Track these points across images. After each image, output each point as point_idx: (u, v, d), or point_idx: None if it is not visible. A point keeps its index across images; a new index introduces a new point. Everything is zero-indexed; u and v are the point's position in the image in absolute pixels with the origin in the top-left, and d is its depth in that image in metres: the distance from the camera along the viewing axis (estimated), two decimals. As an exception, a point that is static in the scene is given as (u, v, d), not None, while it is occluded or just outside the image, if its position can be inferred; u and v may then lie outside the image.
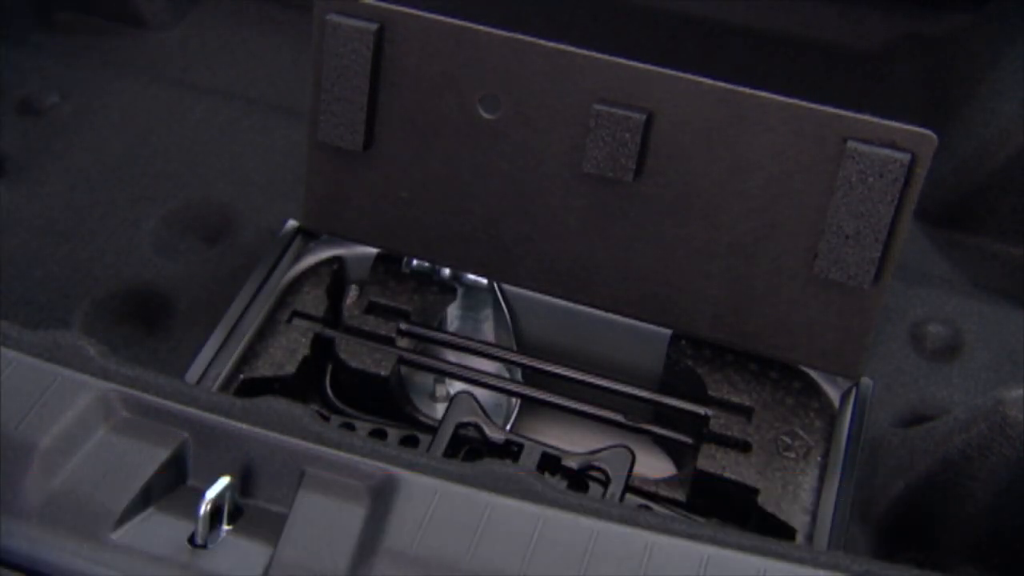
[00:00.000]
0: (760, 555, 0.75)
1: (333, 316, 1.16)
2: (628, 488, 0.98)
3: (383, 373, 1.10)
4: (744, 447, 1.04)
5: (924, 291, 1.24)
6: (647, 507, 1.00)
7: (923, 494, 0.97)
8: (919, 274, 1.27)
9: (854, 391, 1.06)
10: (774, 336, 1.06)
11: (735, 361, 1.10)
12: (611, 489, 0.96)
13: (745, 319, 1.07)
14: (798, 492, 1.00)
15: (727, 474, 1.01)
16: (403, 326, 1.13)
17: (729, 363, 1.10)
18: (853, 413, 1.05)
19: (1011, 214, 1.32)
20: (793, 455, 1.03)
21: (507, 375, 1.20)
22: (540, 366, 1.13)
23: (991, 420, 0.90)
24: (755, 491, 1.00)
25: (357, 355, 1.11)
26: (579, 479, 0.97)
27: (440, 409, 1.13)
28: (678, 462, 1.18)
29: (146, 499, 0.79)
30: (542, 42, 1.04)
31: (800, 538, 0.96)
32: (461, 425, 1.00)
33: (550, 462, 0.96)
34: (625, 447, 0.99)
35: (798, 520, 0.97)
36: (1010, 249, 1.32)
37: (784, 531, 0.98)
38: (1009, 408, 0.89)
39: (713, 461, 1.02)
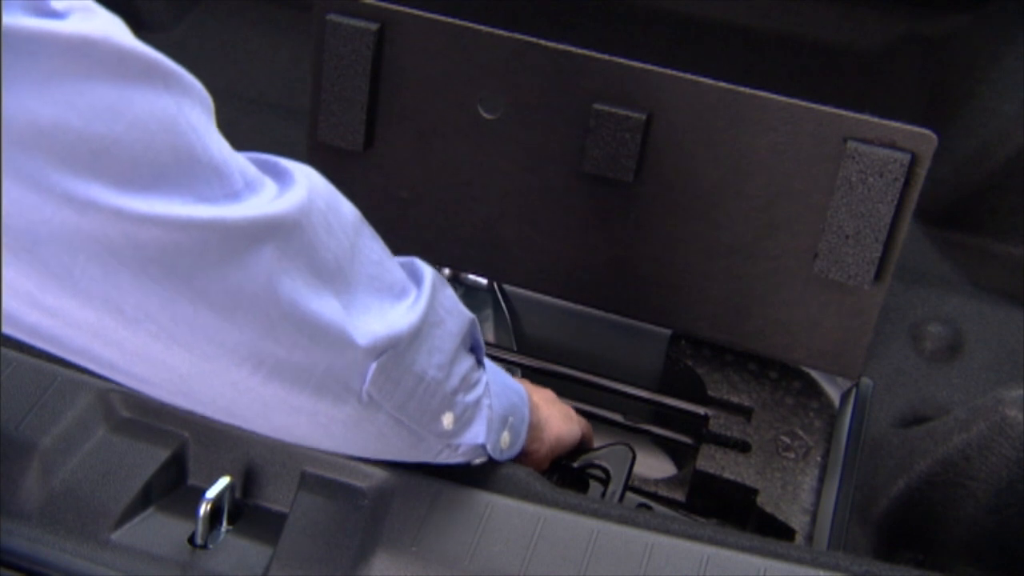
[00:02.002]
0: (760, 555, 0.75)
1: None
2: (628, 486, 0.98)
3: None
4: (743, 447, 1.04)
5: (924, 291, 1.24)
6: (647, 506, 1.00)
7: (923, 494, 0.97)
8: (919, 274, 1.27)
9: (854, 391, 1.06)
10: (774, 336, 1.06)
11: (735, 361, 1.10)
12: (611, 487, 0.96)
13: (745, 319, 1.07)
14: (798, 492, 1.00)
15: (726, 474, 1.01)
16: None
17: (729, 363, 1.10)
18: (853, 413, 1.05)
19: (1011, 214, 1.32)
20: (793, 455, 1.03)
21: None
22: (540, 366, 1.13)
23: (991, 420, 0.90)
24: (754, 491, 1.00)
25: None
26: (579, 477, 0.97)
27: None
28: (678, 462, 1.18)
29: (146, 499, 0.79)
30: (542, 42, 1.04)
31: (800, 538, 0.96)
32: None
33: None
34: (626, 445, 1.00)
35: (798, 520, 0.97)
36: (1010, 249, 1.32)
37: (784, 531, 0.98)
38: (1009, 408, 0.89)
39: (712, 461, 1.02)
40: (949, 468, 0.94)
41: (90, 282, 0.51)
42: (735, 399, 1.08)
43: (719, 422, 1.06)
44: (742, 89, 1.00)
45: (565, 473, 0.96)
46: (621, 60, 1.02)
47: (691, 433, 1.08)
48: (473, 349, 0.77)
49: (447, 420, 0.72)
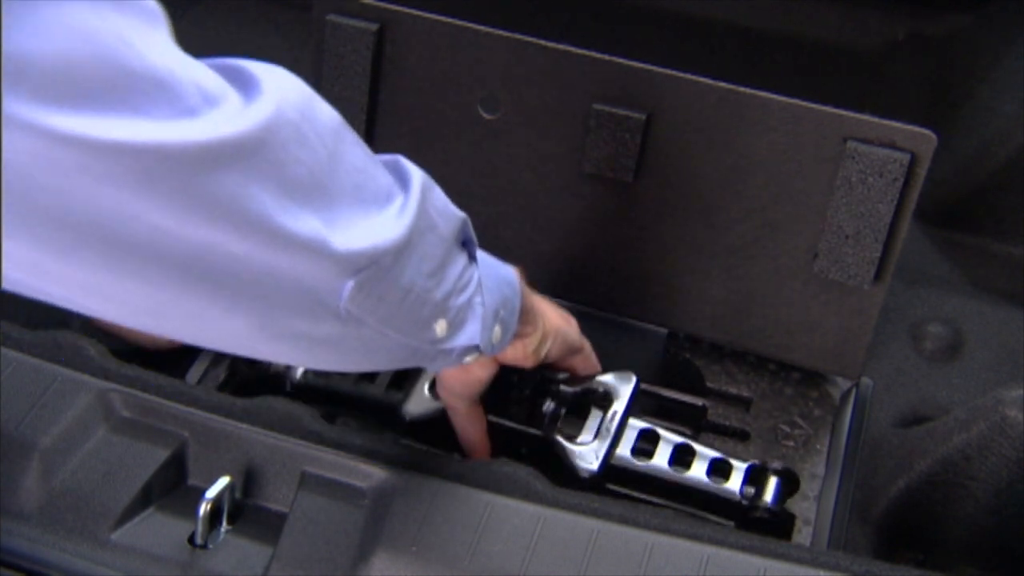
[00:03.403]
0: (760, 555, 0.75)
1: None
2: (631, 411, 0.94)
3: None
4: (742, 436, 1.04)
5: (924, 291, 1.24)
6: (652, 431, 0.95)
7: (923, 494, 0.97)
8: (919, 274, 1.27)
9: (854, 391, 1.06)
10: (774, 336, 1.06)
11: (733, 352, 1.10)
12: (613, 408, 0.92)
13: (745, 319, 1.07)
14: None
15: None
16: None
17: (727, 355, 1.10)
18: (853, 413, 1.05)
19: (1011, 214, 1.32)
20: (792, 443, 1.03)
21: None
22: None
23: (991, 420, 0.90)
24: None
25: None
26: (579, 402, 0.94)
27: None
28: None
29: (146, 499, 0.79)
30: (542, 42, 1.04)
31: (800, 523, 0.96)
32: None
33: (546, 385, 0.94)
34: (630, 372, 0.96)
35: (797, 506, 0.97)
36: (1010, 249, 1.32)
37: (783, 516, 0.97)
38: (1009, 408, 0.89)
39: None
40: (949, 468, 0.94)
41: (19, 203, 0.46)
42: (734, 390, 1.08)
43: (718, 412, 1.06)
44: (742, 89, 1.00)
45: (563, 398, 0.93)
46: (621, 60, 1.02)
47: (690, 425, 1.08)
48: (465, 244, 0.74)
49: (440, 327, 0.69)
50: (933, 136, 0.95)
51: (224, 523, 0.78)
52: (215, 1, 1.65)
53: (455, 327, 0.71)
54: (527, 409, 0.93)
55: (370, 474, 0.78)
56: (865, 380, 1.07)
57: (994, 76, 1.39)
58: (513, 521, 0.76)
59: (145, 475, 0.79)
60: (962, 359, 1.17)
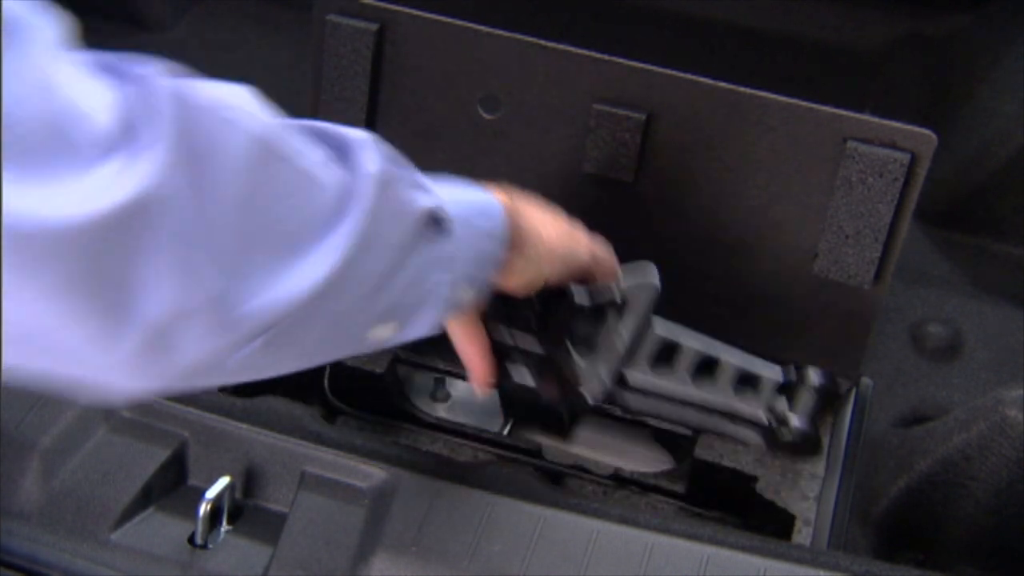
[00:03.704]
0: (760, 555, 0.75)
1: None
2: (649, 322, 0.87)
3: (378, 371, 1.10)
4: None
5: (924, 291, 1.24)
6: (674, 343, 0.90)
7: (923, 494, 0.97)
8: (919, 274, 1.27)
9: (854, 391, 1.06)
10: (774, 336, 1.06)
11: None
12: (629, 319, 0.86)
13: (745, 319, 1.07)
14: (797, 480, 0.99)
15: (725, 462, 1.01)
16: None
17: None
18: (853, 413, 1.05)
19: (1011, 214, 1.32)
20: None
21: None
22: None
23: (991, 420, 0.90)
24: (753, 479, 1.00)
25: None
26: (594, 312, 0.87)
27: (441, 409, 1.13)
28: (677, 456, 1.17)
29: (146, 499, 0.79)
30: (542, 42, 1.04)
31: (800, 523, 0.96)
32: None
33: (556, 299, 0.87)
34: (650, 265, 0.86)
35: (797, 507, 0.97)
36: (1010, 249, 1.32)
37: (784, 518, 0.97)
38: (1009, 408, 0.89)
39: (711, 450, 1.02)
40: (949, 468, 0.94)
41: None
42: None
43: None
44: (742, 89, 1.00)
45: (576, 310, 0.86)
46: (621, 60, 1.02)
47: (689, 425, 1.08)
48: (438, 221, 0.63)
49: (385, 331, 0.61)
50: (933, 136, 0.95)
51: (224, 523, 0.78)
52: (215, 1, 1.65)
53: (405, 323, 0.62)
54: (537, 322, 0.86)
55: (370, 474, 0.79)
56: (865, 380, 1.07)
57: (994, 76, 1.39)
58: (513, 521, 0.76)
59: (145, 475, 0.79)
60: (962, 359, 1.17)
